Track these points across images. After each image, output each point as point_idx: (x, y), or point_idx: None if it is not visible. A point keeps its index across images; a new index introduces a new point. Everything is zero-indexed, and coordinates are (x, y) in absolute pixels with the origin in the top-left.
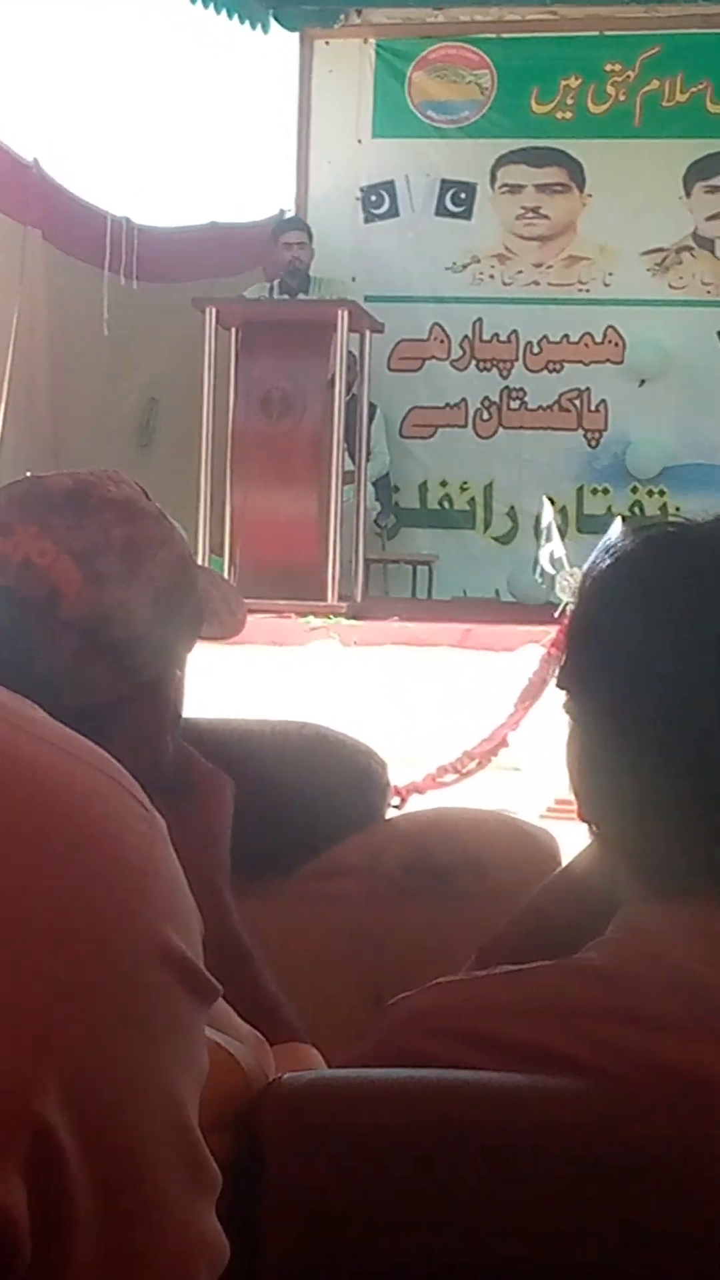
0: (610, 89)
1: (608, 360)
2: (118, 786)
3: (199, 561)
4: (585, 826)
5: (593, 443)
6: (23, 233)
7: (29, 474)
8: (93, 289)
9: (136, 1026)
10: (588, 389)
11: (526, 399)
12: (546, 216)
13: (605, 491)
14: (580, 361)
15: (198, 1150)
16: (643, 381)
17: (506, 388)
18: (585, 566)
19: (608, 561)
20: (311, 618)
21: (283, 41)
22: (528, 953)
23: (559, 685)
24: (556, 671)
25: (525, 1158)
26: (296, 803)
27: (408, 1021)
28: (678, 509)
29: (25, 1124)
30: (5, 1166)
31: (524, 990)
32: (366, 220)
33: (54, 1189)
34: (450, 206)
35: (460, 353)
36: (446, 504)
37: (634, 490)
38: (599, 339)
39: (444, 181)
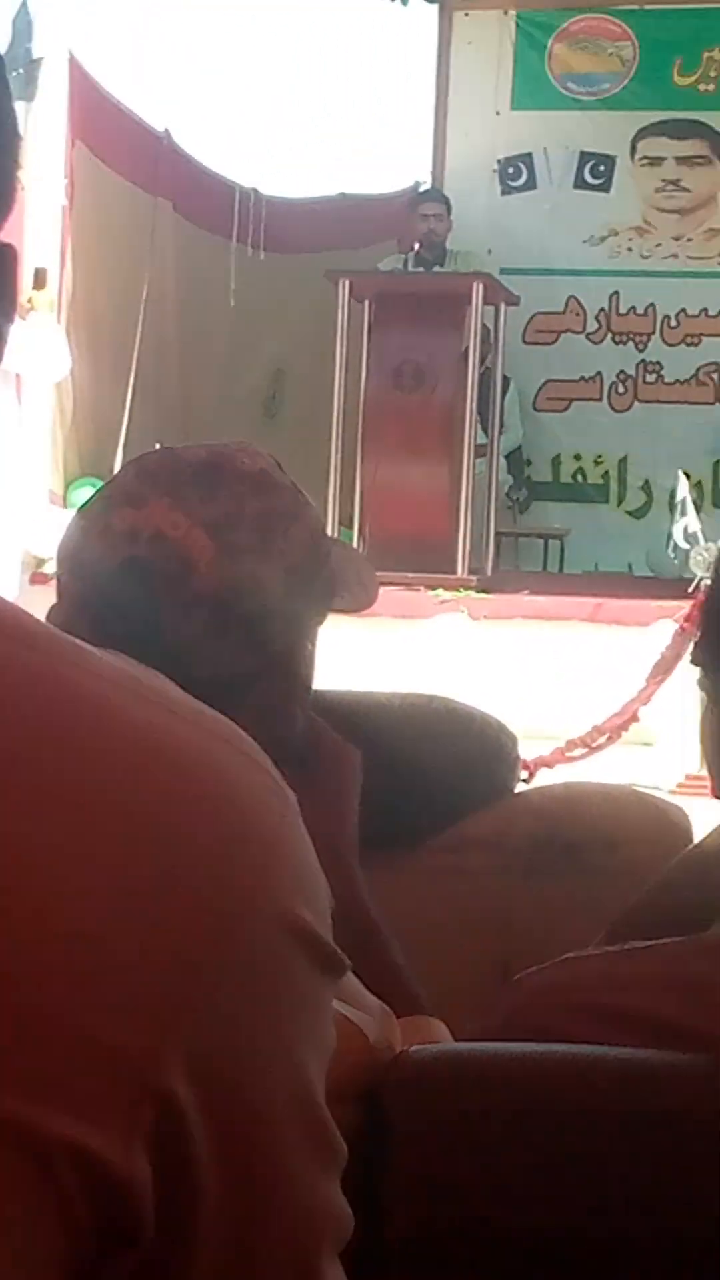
0: None
1: None
2: (248, 760)
3: (329, 533)
4: (718, 803)
5: None
6: (154, 204)
7: (158, 445)
8: (220, 260)
9: (263, 1000)
10: None
11: (663, 372)
12: (687, 189)
13: None
14: (719, 335)
15: (324, 1124)
16: None
17: (643, 361)
18: None
19: None
20: (441, 591)
21: (422, 13)
22: (659, 929)
23: (693, 662)
24: (691, 647)
25: (654, 1132)
26: (426, 776)
27: (537, 996)
28: None
29: (151, 1097)
30: (131, 1139)
31: (654, 966)
32: (504, 193)
33: (179, 1162)
34: (589, 179)
35: (596, 326)
36: (580, 478)
37: None
38: None
39: (583, 154)
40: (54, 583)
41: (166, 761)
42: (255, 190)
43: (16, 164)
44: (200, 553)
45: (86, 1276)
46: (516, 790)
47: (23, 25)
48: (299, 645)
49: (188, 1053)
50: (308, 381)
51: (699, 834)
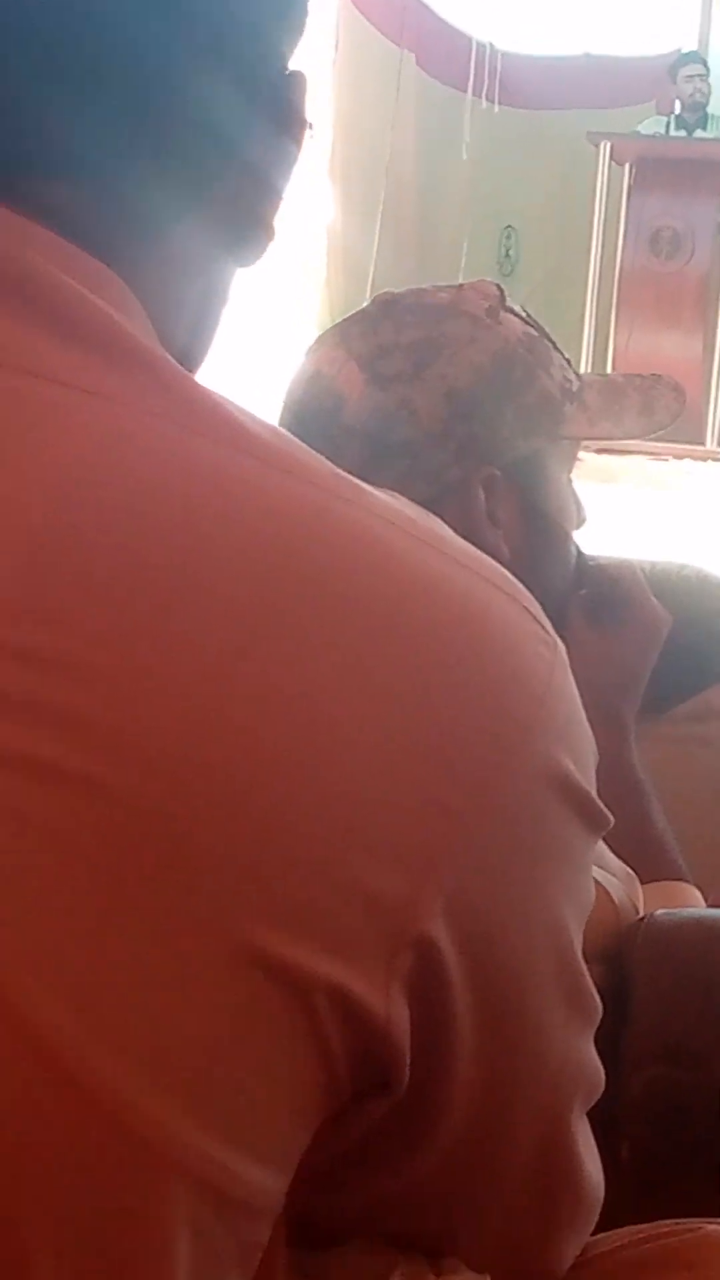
0: None
1: None
2: (521, 609)
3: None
4: None
5: None
6: (399, 56)
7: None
8: (455, 113)
9: (526, 851)
10: None
11: None
12: None
13: None
14: None
15: (580, 979)
16: None
17: None
18: None
19: None
20: (689, 461)
21: None
22: None
23: None
24: None
25: None
26: (675, 643)
27: None
28: None
29: (411, 942)
30: (390, 983)
31: None
32: None
33: (437, 1008)
34: None
35: None
36: None
37: None
38: None
39: None
40: None
41: (440, 605)
42: (491, 44)
43: None
44: (351, 385)
45: (342, 1117)
46: None
47: None
48: (476, 475)
49: (448, 900)
50: (542, 240)
51: None
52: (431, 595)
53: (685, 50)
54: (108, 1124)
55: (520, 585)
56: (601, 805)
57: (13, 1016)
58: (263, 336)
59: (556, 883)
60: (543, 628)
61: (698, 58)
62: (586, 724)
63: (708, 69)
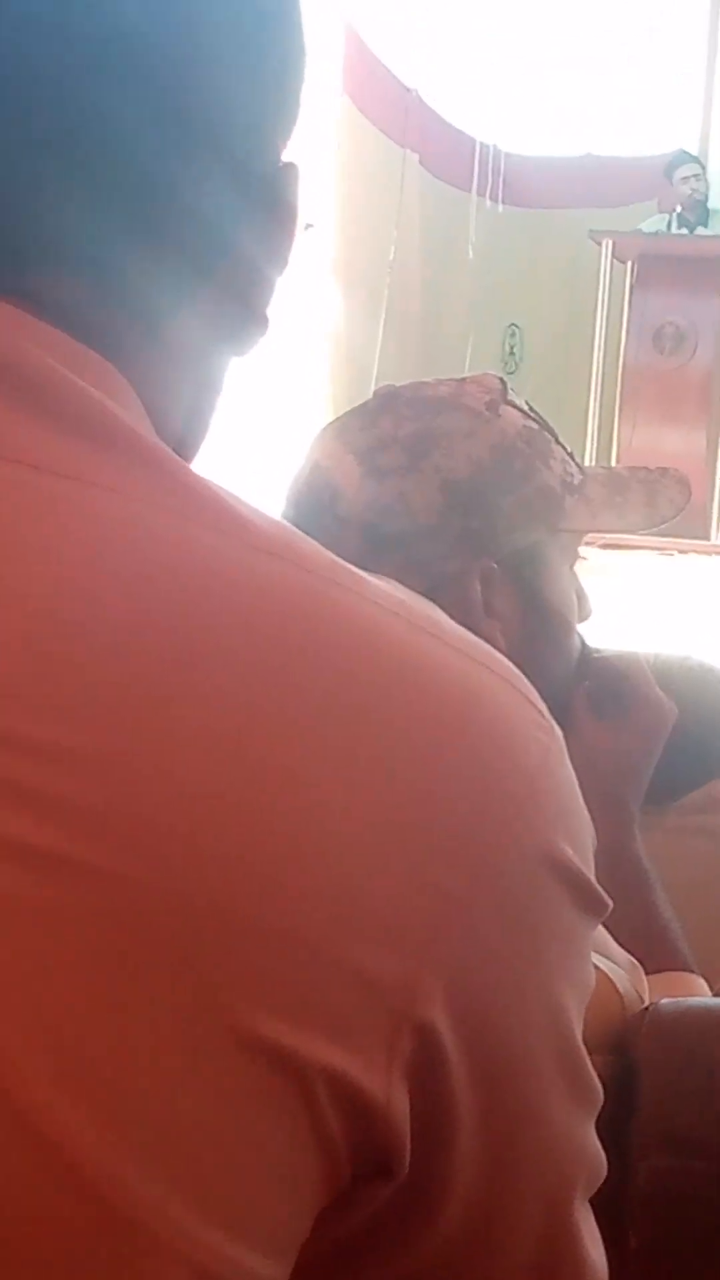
0: None
1: None
2: (516, 693)
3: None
4: None
5: None
6: (402, 156)
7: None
8: (461, 212)
9: (524, 935)
10: None
11: None
12: None
13: None
14: None
15: (580, 1063)
16: None
17: None
18: None
19: None
20: (694, 555)
21: None
22: None
23: None
24: None
25: None
26: (680, 735)
27: None
28: None
29: (409, 1027)
30: (390, 1067)
31: None
32: None
33: (437, 1092)
34: None
35: None
36: None
37: None
38: None
39: None
40: None
41: (432, 688)
42: (495, 145)
43: (302, 79)
44: (346, 479)
45: (342, 1203)
46: None
47: None
48: (473, 567)
49: (447, 983)
50: (546, 338)
51: None
52: (426, 679)
53: (685, 149)
54: (104, 1210)
55: (516, 671)
56: (600, 890)
57: (5, 1100)
58: (267, 435)
59: (555, 966)
60: (539, 712)
61: (691, 157)
62: (584, 809)
63: (703, 167)
